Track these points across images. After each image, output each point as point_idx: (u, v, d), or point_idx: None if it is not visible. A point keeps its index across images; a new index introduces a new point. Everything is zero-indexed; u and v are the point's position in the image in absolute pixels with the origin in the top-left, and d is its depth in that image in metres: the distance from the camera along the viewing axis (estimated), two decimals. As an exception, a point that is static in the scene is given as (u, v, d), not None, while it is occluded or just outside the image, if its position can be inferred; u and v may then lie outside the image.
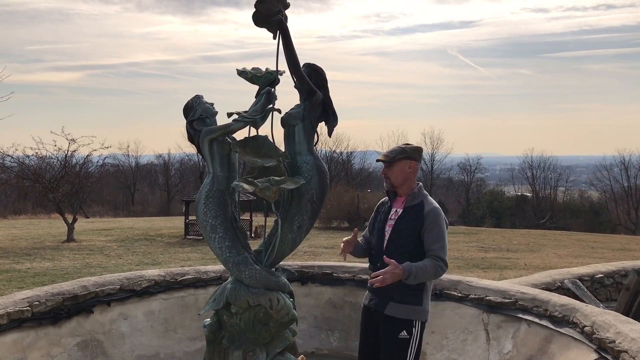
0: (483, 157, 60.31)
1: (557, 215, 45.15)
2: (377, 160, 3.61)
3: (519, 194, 52.98)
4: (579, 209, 45.21)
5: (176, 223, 27.13)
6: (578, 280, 6.66)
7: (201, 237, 19.34)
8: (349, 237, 3.63)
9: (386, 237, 3.54)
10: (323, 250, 16.83)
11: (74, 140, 21.97)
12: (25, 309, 4.54)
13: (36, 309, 4.62)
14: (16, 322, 4.46)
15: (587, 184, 58.97)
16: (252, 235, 20.86)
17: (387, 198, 3.74)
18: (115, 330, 5.12)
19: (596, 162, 55.16)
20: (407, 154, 3.56)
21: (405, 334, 3.39)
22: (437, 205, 3.59)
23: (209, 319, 3.74)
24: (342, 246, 3.63)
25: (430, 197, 3.62)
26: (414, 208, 3.51)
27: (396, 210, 3.58)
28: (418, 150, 3.64)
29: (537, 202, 49.35)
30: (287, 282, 3.77)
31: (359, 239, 3.75)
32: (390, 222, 3.56)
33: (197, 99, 3.81)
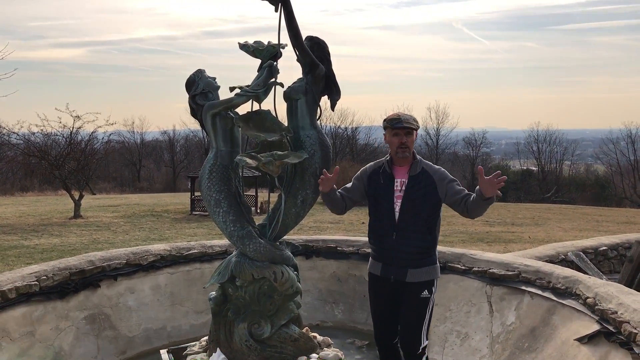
0: (488, 131, 59.97)
1: (562, 189, 45.03)
2: (405, 128, 3.54)
3: (525, 168, 52.82)
4: (584, 182, 45.08)
5: (182, 199, 27.23)
6: (581, 253, 6.67)
7: (207, 213, 19.43)
8: (328, 177, 3.60)
9: (397, 209, 3.56)
10: (328, 225, 16.89)
11: (78, 117, 21.96)
12: (33, 283, 4.60)
13: (44, 283, 4.68)
14: (24, 296, 4.52)
15: (593, 158, 58.68)
16: (258, 211, 20.93)
17: (377, 167, 3.73)
18: (123, 304, 5.19)
19: (602, 135, 54.75)
20: (417, 121, 3.65)
21: (427, 293, 3.57)
22: (435, 166, 3.71)
23: (214, 292, 3.79)
24: (320, 179, 3.61)
25: (426, 162, 3.70)
26: (420, 176, 3.58)
27: (401, 181, 3.59)
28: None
29: (543, 176, 49.19)
30: (291, 255, 3.80)
31: (338, 190, 3.75)
32: (399, 194, 3.57)
33: (199, 74, 3.79)
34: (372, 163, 3.84)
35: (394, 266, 3.59)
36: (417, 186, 3.55)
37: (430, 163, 3.68)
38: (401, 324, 3.65)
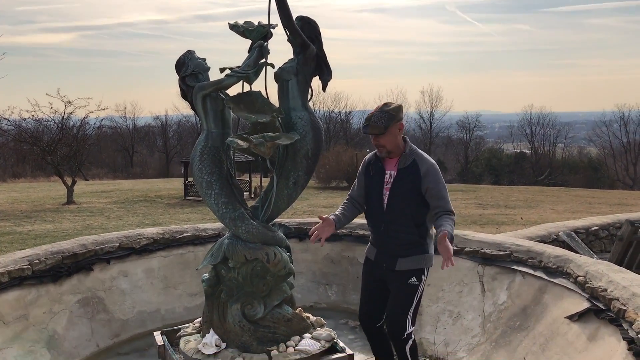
0: (482, 114, 59.99)
1: (555, 171, 45.23)
2: (368, 133, 3.50)
3: (518, 151, 52.96)
4: (577, 165, 45.27)
5: (175, 184, 27.17)
6: (573, 233, 6.72)
7: (201, 199, 19.42)
8: (319, 224, 3.56)
9: (385, 201, 3.55)
10: (322, 209, 16.92)
11: (70, 102, 21.84)
12: (25, 267, 4.60)
13: (36, 267, 4.68)
14: (17, 279, 4.52)
15: (586, 140, 58.88)
16: (252, 195, 20.93)
17: (373, 157, 3.69)
18: (116, 287, 5.20)
19: (595, 118, 54.97)
20: (395, 117, 3.46)
21: (415, 280, 3.55)
22: (430, 158, 3.59)
23: (207, 274, 3.79)
24: (315, 234, 3.55)
25: (420, 152, 3.60)
26: (409, 169, 3.51)
27: (390, 173, 3.57)
28: (400, 108, 3.55)
29: (536, 159, 49.36)
30: (284, 236, 3.81)
31: (337, 212, 3.71)
32: (387, 186, 3.56)
33: (189, 55, 3.76)
34: (371, 153, 3.77)
35: (386, 254, 3.61)
36: (404, 179, 3.51)
37: (424, 154, 3.61)
38: (387, 309, 3.64)
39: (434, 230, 3.50)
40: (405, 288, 3.55)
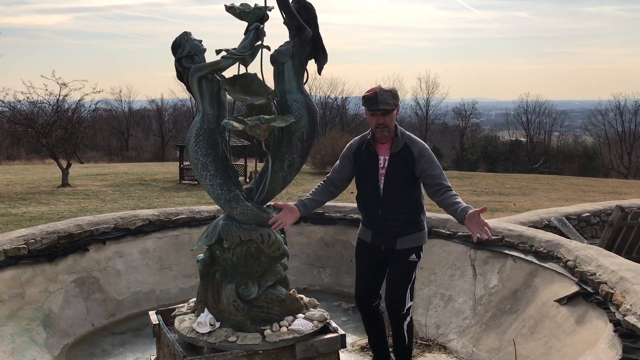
0: (478, 102, 59.98)
1: (550, 159, 45.36)
2: (379, 110, 3.46)
3: (514, 139, 53.04)
4: (572, 153, 45.41)
5: (171, 168, 27.16)
6: (564, 218, 6.79)
7: (196, 182, 19.43)
8: (281, 212, 3.52)
9: (381, 187, 3.57)
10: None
11: (65, 84, 21.72)
12: (21, 246, 4.63)
13: (32, 246, 4.72)
14: (13, 259, 4.56)
15: (582, 129, 59.00)
16: (247, 180, 20.95)
17: (362, 142, 3.68)
18: (111, 267, 5.24)
19: (591, 106, 55.04)
20: (398, 98, 3.54)
21: (415, 257, 3.65)
22: (420, 140, 3.63)
23: (202, 255, 3.83)
24: (277, 223, 3.49)
25: (410, 135, 3.63)
26: (401, 153, 3.54)
27: (384, 158, 3.58)
28: (397, 89, 3.60)
29: (532, 146, 49.46)
30: (278, 218, 3.84)
31: (307, 197, 3.68)
32: (382, 172, 3.58)
33: (186, 36, 3.76)
34: (357, 138, 3.78)
35: (384, 236, 3.66)
36: (398, 163, 3.54)
37: (414, 136, 3.65)
38: (388, 286, 3.72)
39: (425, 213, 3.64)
40: (405, 265, 3.64)
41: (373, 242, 3.72)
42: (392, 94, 3.48)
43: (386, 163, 3.56)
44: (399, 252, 3.65)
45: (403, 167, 3.52)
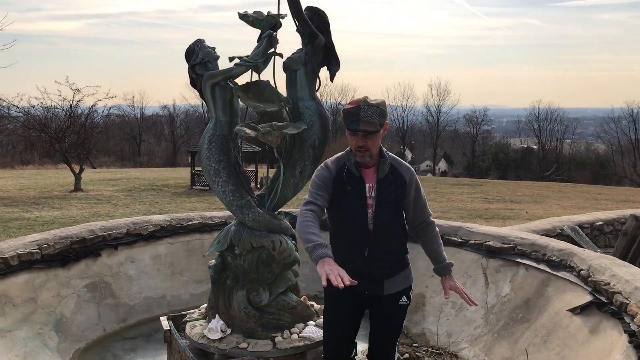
0: (490, 108, 59.91)
1: (562, 167, 45.14)
2: (360, 131, 2.79)
3: (525, 146, 52.86)
4: (584, 161, 45.18)
5: (182, 174, 27.28)
6: (577, 227, 6.74)
7: (207, 188, 19.49)
8: (334, 266, 2.51)
9: (370, 220, 2.90)
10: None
11: (78, 90, 21.89)
12: (34, 251, 4.67)
13: (45, 251, 4.75)
14: (26, 263, 4.59)
15: (594, 137, 58.69)
16: (258, 186, 20.99)
17: (341, 165, 2.97)
18: (123, 272, 5.26)
19: (604, 114, 54.71)
20: (386, 115, 2.85)
21: (406, 299, 3.07)
22: (404, 162, 3.09)
23: (213, 260, 3.84)
24: (334, 277, 2.44)
25: (394, 156, 3.04)
26: (389, 177, 2.93)
27: (370, 186, 2.92)
28: (386, 104, 2.90)
29: (543, 154, 49.27)
30: (290, 225, 3.85)
31: (320, 240, 2.65)
32: (370, 202, 2.90)
33: (199, 43, 3.80)
34: (332, 160, 3.02)
35: (368, 280, 2.92)
36: (388, 190, 2.91)
37: (398, 158, 3.05)
38: (374, 339, 3.14)
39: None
40: (396, 312, 3.07)
41: (352, 287, 2.64)
42: (379, 111, 2.79)
43: (373, 191, 2.91)
44: (387, 297, 3.01)
45: (394, 195, 2.92)
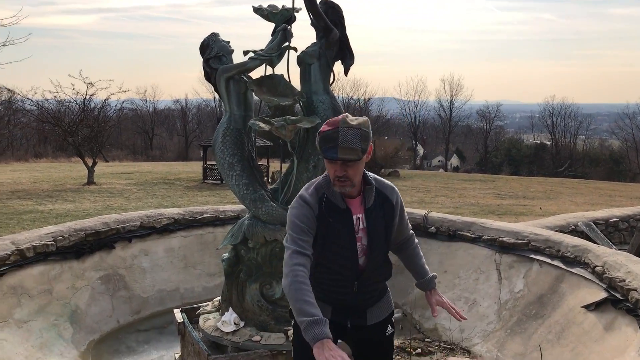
0: (503, 104, 59.45)
1: (576, 163, 44.73)
2: (338, 159, 2.30)
3: (538, 142, 52.48)
4: (598, 157, 44.76)
5: (194, 168, 27.37)
6: (592, 223, 6.68)
7: (219, 182, 19.55)
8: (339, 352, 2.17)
9: (360, 255, 2.53)
10: (339, 195, 16.94)
11: (91, 84, 22.00)
12: (50, 243, 4.71)
13: (60, 243, 4.79)
14: (42, 255, 4.64)
15: (608, 133, 58.18)
16: (269, 180, 21.03)
17: (321, 195, 2.46)
18: (137, 265, 5.30)
19: (618, 110, 54.09)
20: (370, 138, 2.39)
21: (390, 328, 2.73)
22: (386, 180, 2.66)
23: (227, 254, 3.86)
24: None
25: (374, 177, 2.58)
26: (376, 204, 2.55)
27: (358, 217, 2.53)
28: (369, 124, 2.43)
29: (557, 150, 48.84)
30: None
31: (300, 269, 2.31)
32: (359, 235, 2.53)
33: (214, 37, 3.81)
34: (309, 194, 2.47)
35: (351, 311, 2.62)
36: (378, 218, 2.54)
37: (380, 178, 2.62)
38: None
39: None
40: (382, 344, 2.72)
41: (334, 319, 2.51)
42: (361, 134, 2.32)
43: (361, 222, 2.53)
44: (370, 327, 2.65)
45: (383, 223, 2.56)
